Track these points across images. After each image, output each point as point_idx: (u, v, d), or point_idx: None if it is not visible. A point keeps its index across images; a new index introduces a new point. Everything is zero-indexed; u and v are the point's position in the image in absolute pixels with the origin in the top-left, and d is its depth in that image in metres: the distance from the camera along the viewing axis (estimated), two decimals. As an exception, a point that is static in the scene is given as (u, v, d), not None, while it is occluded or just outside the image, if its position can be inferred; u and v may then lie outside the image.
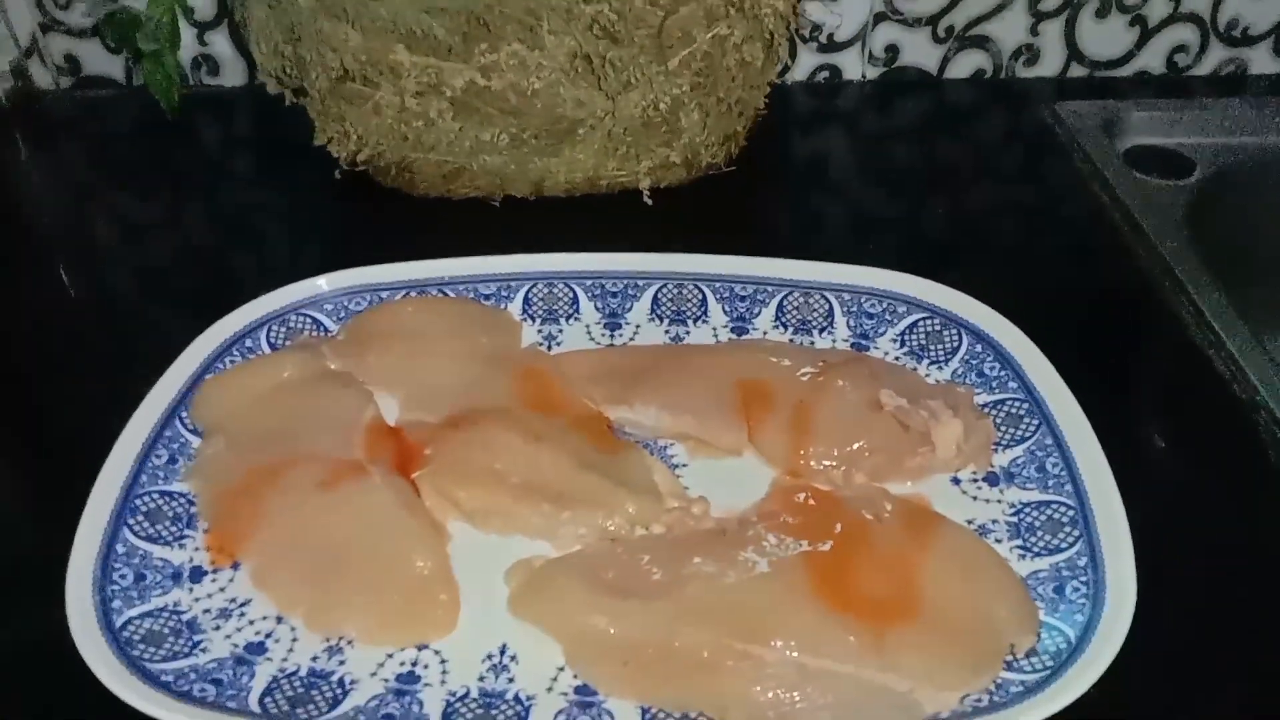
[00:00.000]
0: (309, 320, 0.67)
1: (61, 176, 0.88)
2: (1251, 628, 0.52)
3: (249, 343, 0.65)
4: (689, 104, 0.76)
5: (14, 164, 0.89)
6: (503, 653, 0.50)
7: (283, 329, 0.66)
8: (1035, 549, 0.54)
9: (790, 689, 0.47)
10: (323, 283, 0.68)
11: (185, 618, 0.52)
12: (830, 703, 0.46)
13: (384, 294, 0.69)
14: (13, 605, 0.53)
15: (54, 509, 0.55)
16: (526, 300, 0.69)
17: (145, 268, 0.78)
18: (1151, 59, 0.94)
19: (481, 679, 0.49)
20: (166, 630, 0.51)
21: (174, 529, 0.55)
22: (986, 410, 0.60)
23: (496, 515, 0.55)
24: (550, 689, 0.49)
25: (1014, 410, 0.60)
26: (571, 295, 0.69)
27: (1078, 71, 0.95)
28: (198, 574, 0.54)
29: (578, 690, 0.49)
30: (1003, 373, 0.62)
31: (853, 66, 0.95)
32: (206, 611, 0.52)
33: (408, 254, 0.71)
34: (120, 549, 0.54)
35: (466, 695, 0.48)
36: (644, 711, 0.47)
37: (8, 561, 0.56)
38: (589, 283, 0.69)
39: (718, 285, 0.69)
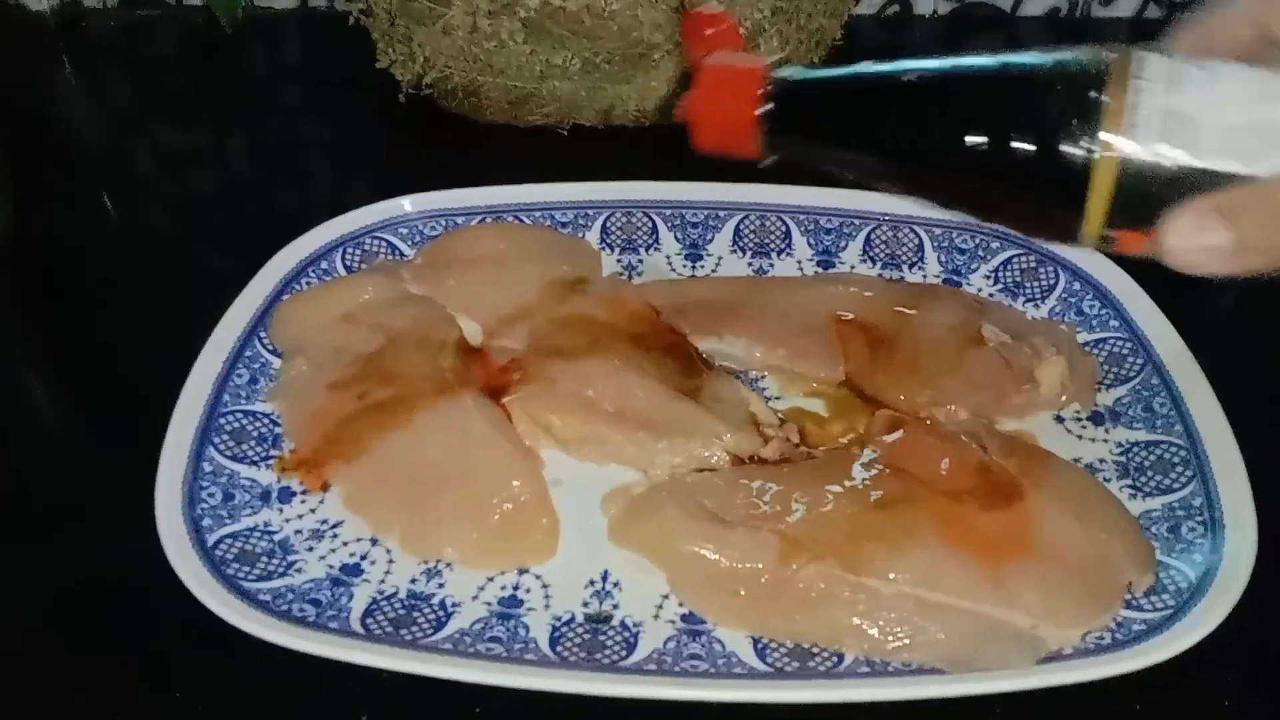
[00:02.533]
0: (384, 244, 0.65)
1: (109, 99, 0.86)
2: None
3: (324, 265, 0.63)
4: (769, 29, 0.74)
5: (61, 85, 0.87)
6: (605, 579, 0.49)
7: (358, 253, 0.65)
8: (1146, 489, 0.52)
9: (908, 622, 0.45)
10: (406, 204, 0.66)
11: (277, 538, 0.50)
12: (949, 637, 0.45)
13: (459, 219, 0.67)
14: (105, 527, 0.52)
15: (137, 432, 0.54)
16: (605, 229, 0.67)
17: (209, 194, 0.76)
18: (1231, -1, 0.91)
19: (585, 604, 0.48)
20: (259, 550, 0.49)
21: (259, 449, 0.54)
22: (1089, 348, 0.59)
23: (591, 443, 0.54)
24: (657, 616, 0.48)
25: (1117, 349, 0.58)
26: (650, 225, 0.67)
27: (1154, 12, 0.92)
28: (286, 494, 0.52)
29: (684, 618, 0.47)
30: (1103, 311, 0.60)
31: (924, 0, 0.92)
32: (298, 532, 0.51)
33: (473, 181, 0.69)
34: (207, 468, 0.52)
35: (572, 620, 0.47)
36: (755, 641, 0.46)
37: (96, 485, 0.55)
38: (668, 212, 0.67)
39: (802, 217, 0.67)
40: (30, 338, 0.65)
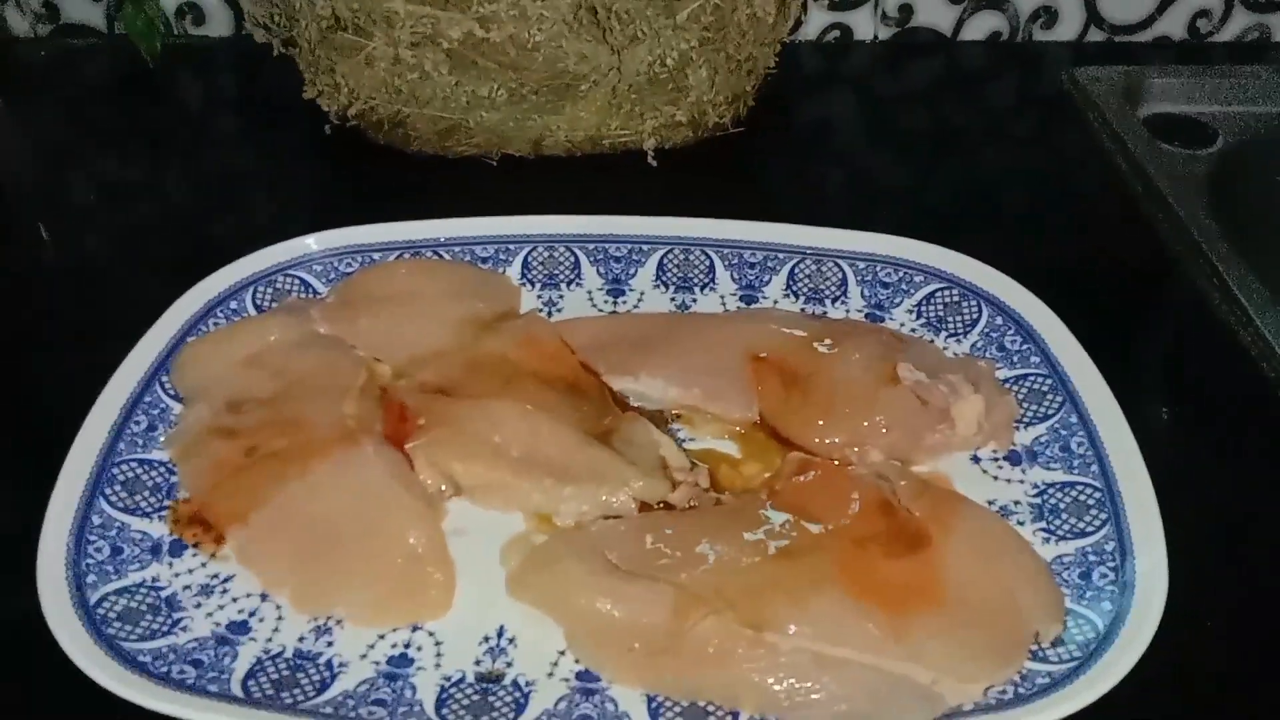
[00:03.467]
0: (297, 282, 0.64)
1: (37, 129, 0.84)
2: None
3: (233, 305, 0.62)
4: (697, 60, 0.73)
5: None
6: (500, 635, 0.48)
7: (269, 291, 0.63)
8: (1060, 532, 0.51)
9: (806, 679, 0.44)
10: (311, 242, 0.65)
11: (164, 594, 0.49)
12: (849, 694, 0.44)
13: (376, 255, 0.65)
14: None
15: (27, 479, 0.52)
16: (526, 264, 0.66)
17: (124, 228, 0.74)
18: (1172, 24, 0.91)
19: (478, 662, 0.47)
20: (144, 607, 0.48)
21: (153, 500, 0.53)
22: (1008, 385, 0.58)
23: (495, 490, 0.53)
24: (551, 674, 0.46)
25: (1037, 386, 0.57)
26: (573, 259, 0.66)
27: (1096, 35, 0.92)
28: (178, 548, 0.51)
29: (580, 676, 0.46)
30: (1025, 346, 0.59)
31: (864, 26, 0.91)
32: (187, 588, 0.49)
33: (401, 214, 0.68)
34: (96, 520, 0.51)
35: (462, 680, 0.46)
36: (650, 700, 0.45)
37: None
38: (591, 246, 0.66)
39: (726, 251, 0.66)
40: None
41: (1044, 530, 0.51)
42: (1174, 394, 0.61)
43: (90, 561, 0.49)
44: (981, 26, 0.91)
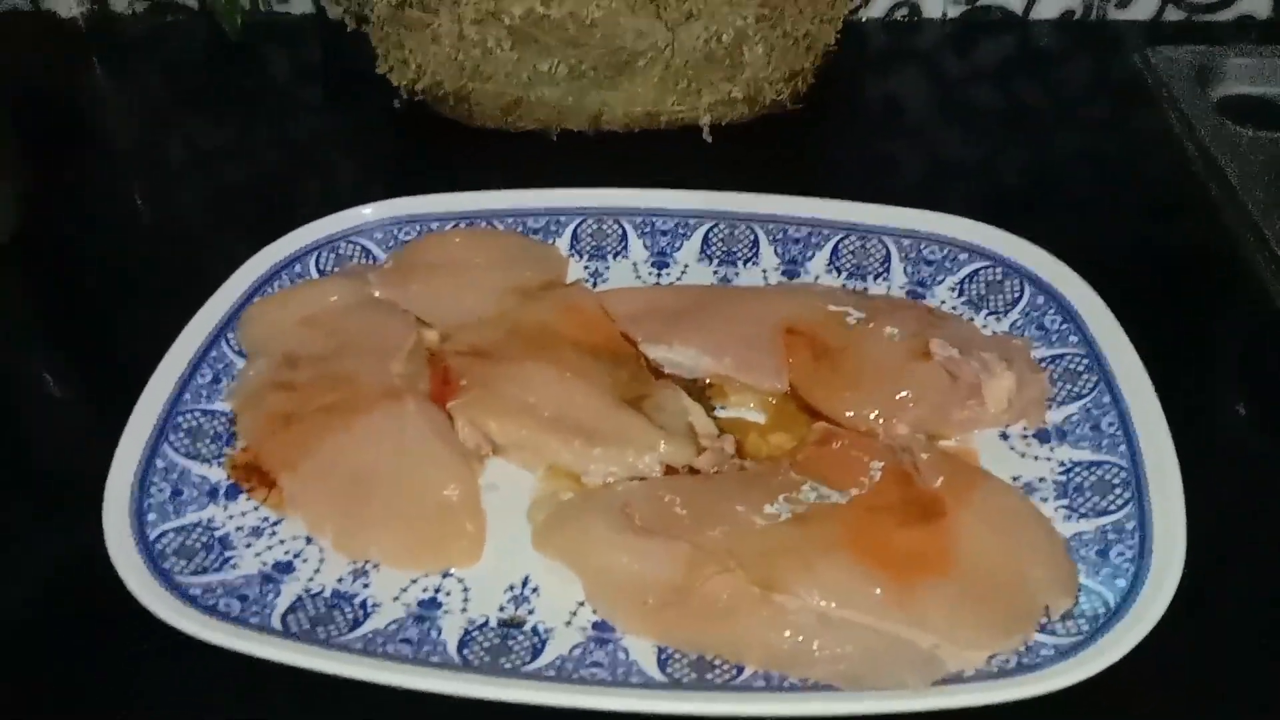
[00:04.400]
0: (358, 248, 0.67)
1: (132, 100, 0.90)
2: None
3: (298, 268, 0.66)
4: (753, 37, 0.74)
5: (89, 86, 0.91)
6: (525, 584, 0.50)
7: (332, 256, 0.67)
8: (1082, 510, 0.51)
9: (809, 637, 0.45)
10: (368, 211, 0.68)
11: (218, 534, 0.52)
12: (848, 654, 0.45)
13: (433, 224, 0.68)
14: (55, 516, 0.55)
15: (99, 424, 0.57)
16: (575, 235, 0.68)
17: (205, 192, 0.79)
18: (1257, 3, 0.88)
19: (502, 609, 0.49)
20: (198, 545, 0.52)
21: (214, 447, 0.56)
22: (1044, 365, 0.58)
23: (527, 448, 0.55)
24: (569, 623, 0.48)
25: (1072, 366, 0.57)
26: (620, 232, 0.68)
27: (1174, 15, 0.89)
28: (233, 491, 0.54)
29: (596, 626, 0.48)
30: (1064, 326, 0.59)
31: (933, 4, 0.91)
32: (239, 529, 0.53)
33: (463, 185, 0.71)
34: (160, 464, 0.55)
35: (485, 624, 0.48)
36: (660, 651, 0.47)
37: (53, 473, 0.58)
38: (639, 220, 0.68)
39: (770, 226, 0.67)
40: (20, 328, 0.68)
41: (1066, 507, 0.52)
42: (1221, 381, 0.60)
43: (152, 501, 0.53)
44: (1054, 4, 0.90)
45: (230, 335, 0.61)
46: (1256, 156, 0.74)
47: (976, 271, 0.63)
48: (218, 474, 0.55)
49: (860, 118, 0.83)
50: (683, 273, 0.66)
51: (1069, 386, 0.57)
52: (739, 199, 0.68)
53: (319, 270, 0.66)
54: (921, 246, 0.65)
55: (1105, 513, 0.51)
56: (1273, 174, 0.73)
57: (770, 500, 0.50)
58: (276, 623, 0.48)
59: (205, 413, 0.58)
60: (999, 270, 0.63)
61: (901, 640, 0.45)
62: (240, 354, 0.61)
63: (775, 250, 0.66)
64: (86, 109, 0.89)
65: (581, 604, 0.49)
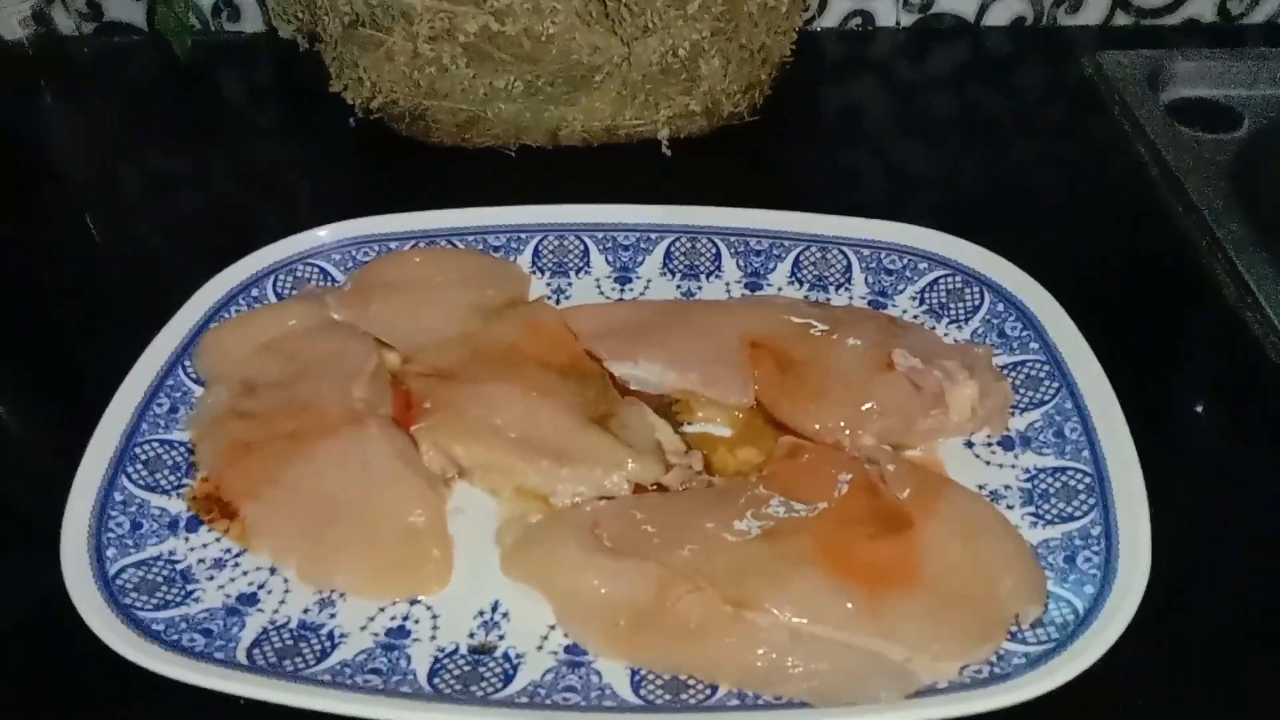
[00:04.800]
0: (316, 270, 0.66)
1: (83, 123, 0.88)
2: (1271, 611, 0.49)
3: (255, 292, 0.65)
4: (709, 50, 0.74)
5: (37, 111, 0.89)
6: (495, 609, 0.50)
7: (289, 278, 0.66)
8: (1048, 516, 0.52)
9: (782, 654, 0.45)
10: (324, 233, 0.67)
11: (180, 567, 0.51)
12: (823, 669, 0.45)
13: (392, 244, 0.68)
14: (10, 552, 0.53)
15: (55, 457, 0.56)
16: (536, 252, 0.67)
17: (161, 216, 0.78)
18: (1202, 6, 0.90)
19: (472, 635, 0.48)
20: (160, 579, 0.51)
21: (172, 478, 0.55)
22: (1005, 372, 0.58)
23: (494, 470, 0.55)
24: (540, 647, 0.48)
25: (1034, 372, 0.58)
26: (582, 248, 0.67)
27: (1123, 19, 0.91)
28: (194, 523, 0.53)
29: (568, 649, 0.48)
30: (1024, 333, 0.60)
31: (886, 12, 0.91)
32: (201, 561, 0.52)
33: (422, 203, 0.70)
34: (118, 497, 0.54)
35: (455, 651, 0.48)
36: (633, 673, 0.46)
37: (7, 508, 0.56)
38: (600, 235, 0.68)
39: (732, 239, 0.67)
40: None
41: (1032, 515, 0.52)
42: (1179, 383, 0.61)
43: (111, 535, 0.52)
44: (1005, 11, 0.91)
45: (187, 363, 0.60)
46: (1207, 159, 0.75)
47: (937, 280, 0.64)
48: (178, 505, 0.54)
49: (818, 128, 0.84)
50: (645, 287, 0.66)
51: (1031, 393, 0.57)
52: (700, 212, 0.68)
53: (277, 294, 0.65)
54: (882, 256, 0.65)
55: (1071, 518, 0.51)
56: (1223, 176, 0.74)
57: (739, 516, 0.50)
58: (243, 656, 0.47)
59: (163, 443, 0.57)
60: (959, 278, 0.63)
61: (874, 654, 0.45)
62: (198, 381, 0.60)
63: (737, 263, 0.66)
64: (35, 134, 0.87)
65: (553, 627, 0.49)
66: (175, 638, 0.48)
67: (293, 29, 0.79)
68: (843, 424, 0.55)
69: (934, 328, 0.62)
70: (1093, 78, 0.84)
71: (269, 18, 0.91)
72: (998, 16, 0.91)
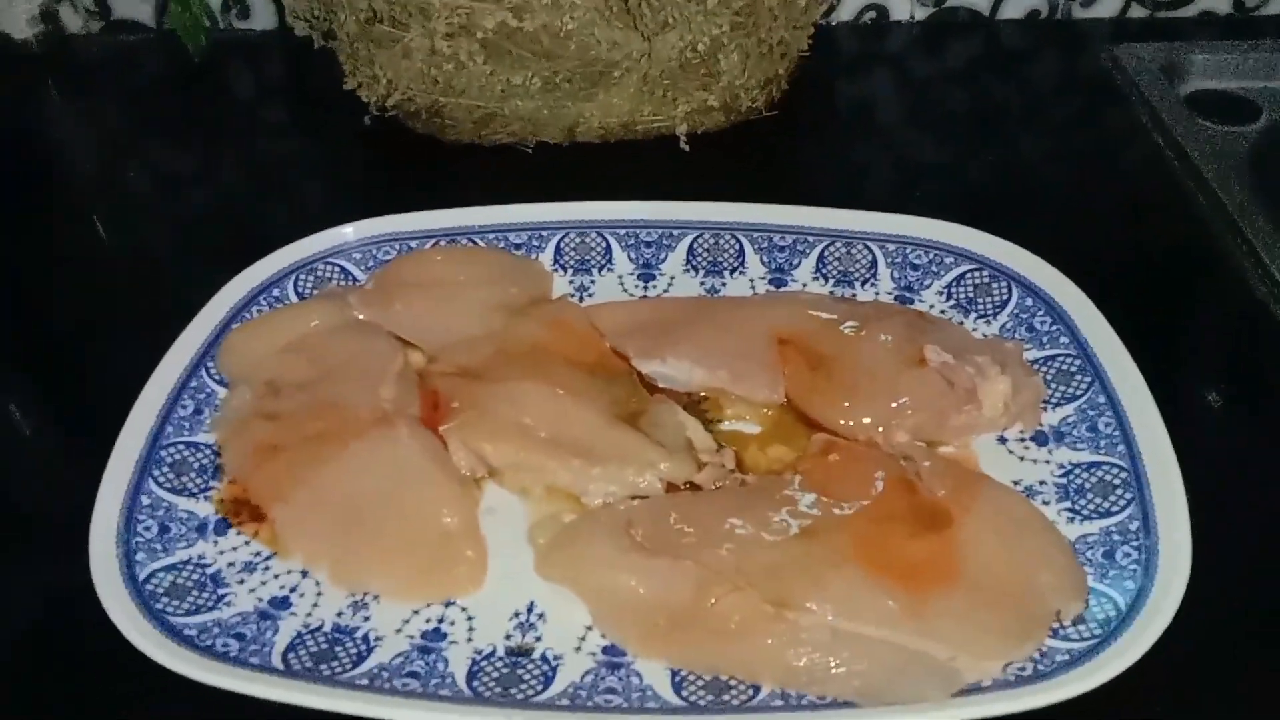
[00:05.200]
0: (337, 269, 0.66)
1: (92, 123, 0.87)
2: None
3: (276, 292, 0.64)
4: (728, 45, 0.73)
5: (46, 111, 0.88)
6: (530, 610, 0.49)
7: (310, 278, 0.65)
8: (1085, 512, 0.51)
9: (825, 654, 0.45)
10: (349, 231, 0.66)
11: (210, 571, 0.51)
12: (865, 669, 0.44)
13: (413, 243, 0.67)
14: (38, 558, 0.53)
15: (80, 461, 0.55)
16: (558, 250, 0.67)
17: (174, 216, 0.77)
18: (1217, -2, 0.90)
19: (508, 637, 0.48)
20: (190, 583, 0.50)
21: (199, 481, 0.55)
22: (1036, 367, 0.58)
23: (524, 470, 0.54)
24: (579, 648, 0.48)
25: (1065, 367, 0.57)
26: (604, 245, 0.67)
27: (1138, 12, 0.90)
28: (222, 526, 0.53)
29: (606, 650, 0.47)
30: (1054, 327, 0.59)
31: (901, 6, 0.91)
32: (231, 565, 0.51)
33: (439, 201, 0.69)
34: (145, 501, 0.53)
35: (493, 654, 0.47)
36: (674, 674, 0.46)
37: (34, 514, 0.56)
38: (623, 232, 0.67)
39: (756, 235, 0.66)
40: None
41: (1069, 510, 0.52)
42: (1207, 374, 0.61)
43: (139, 540, 0.51)
44: (1020, 4, 0.90)
45: (210, 364, 0.60)
46: (1228, 150, 0.75)
47: (963, 275, 0.63)
48: (205, 508, 0.54)
49: (835, 122, 0.83)
50: (669, 284, 0.65)
51: (1063, 388, 0.57)
52: (722, 208, 0.67)
53: (298, 294, 0.64)
54: (907, 251, 0.65)
55: (1108, 514, 0.51)
56: (1245, 167, 0.74)
57: (775, 514, 0.50)
58: (278, 661, 0.47)
59: (189, 445, 0.56)
60: (986, 273, 0.63)
61: (917, 653, 0.45)
62: (221, 383, 0.59)
63: (761, 259, 0.66)
64: (43, 133, 0.86)
65: (590, 628, 0.48)
66: (209, 642, 0.47)
67: (307, 27, 0.78)
68: (875, 421, 0.55)
69: (962, 323, 0.61)
70: (1110, 70, 0.84)
71: (281, 15, 0.91)
72: (1012, 10, 0.91)
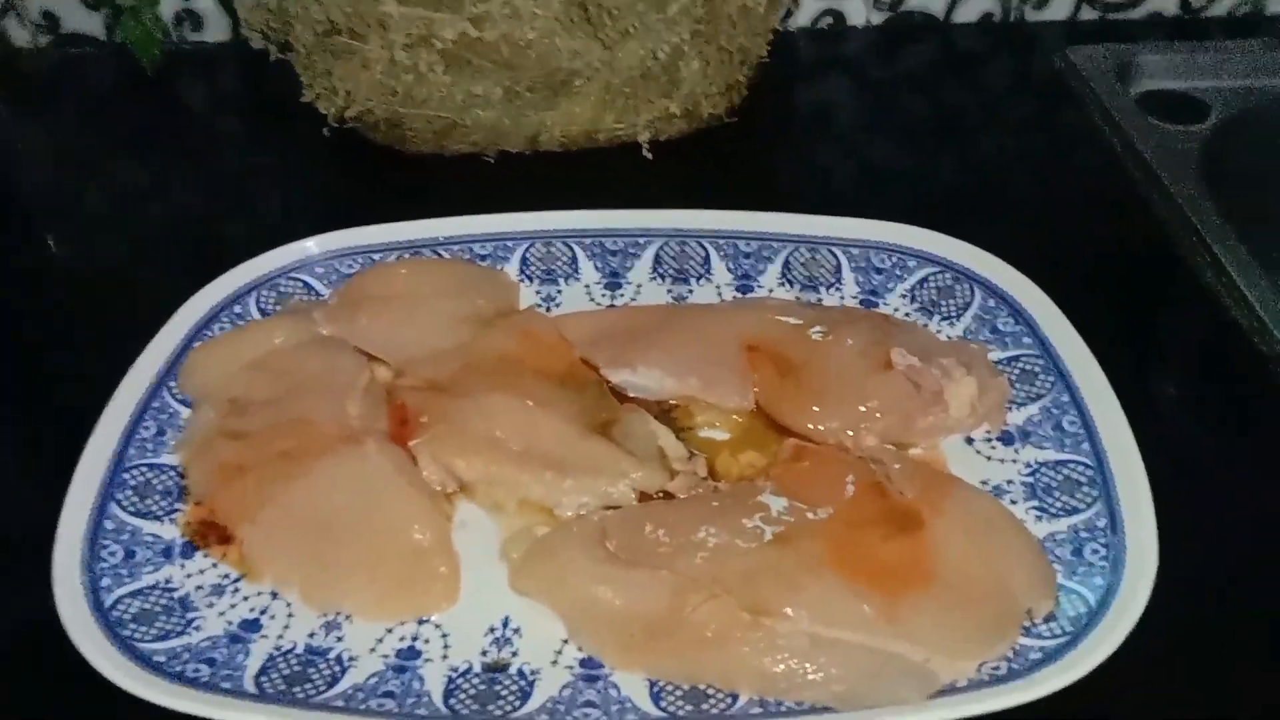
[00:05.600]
0: (300, 284, 0.65)
1: (44, 138, 0.86)
2: (1277, 586, 0.50)
3: (238, 309, 0.63)
4: (689, 52, 0.73)
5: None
6: (505, 625, 0.49)
7: (273, 294, 0.64)
8: (1052, 510, 0.52)
9: (802, 660, 0.45)
10: (311, 245, 0.66)
11: (177, 595, 0.50)
12: (842, 674, 0.45)
13: (376, 256, 0.66)
14: (0, 586, 0.52)
15: (40, 486, 0.54)
16: (524, 260, 0.67)
17: (129, 233, 0.76)
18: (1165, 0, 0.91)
19: (484, 653, 0.48)
20: (158, 608, 0.49)
21: (164, 503, 0.54)
22: (1000, 367, 0.58)
23: (496, 484, 0.54)
24: (555, 662, 0.47)
25: (1029, 367, 0.58)
26: (570, 255, 0.67)
27: (1088, 14, 0.92)
28: (189, 549, 0.52)
29: (583, 663, 0.47)
30: (1017, 328, 0.60)
31: (857, 11, 0.91)
32: (199, 588, 0.50)
33: (400, 213, 0.69)
34: (109, 525, 0.52)
35: (469, 670, 0.47)
36: (651, 685, 0.46)
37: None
38: (588, 241, 0.67)
39: (721, 242, 0.67)
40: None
41: (1036, 508, 0.52)
42: (1168, 371, 0.62)
43: (104, 565, 0.50)
44: (974, 8, 0.91)
45: (172, 384, 0.59)
46: (1180, 149, 0.76)
47: (927, 278, 0.64)
48: (171, 531, 0.53)
49: (796, 127, 0.84)
50: (636, 293, 0.65)
51: (1027, 388, 0.58)
52: (687, 216, 0.68)
53: (260, 310, 0.64)
54: (871, 255, 0.65)
55: (1075, 511, 0.52)
56: (1197, 165, 0.75)
57: (749, 521, 0.50)
58: (250, 685, 0.46)
59: (152, 467, 0.55)
60: (949, 275, 0.63)
61: (893, 656, 0.45)
62: (184, 403, 0.58)
63: (727, 265, 0.66)
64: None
65: (566, 641, 0.48)
66: (179, 668, 0.46)
67: (263, 39, 0.77)
68: (844, 425, 0.55)
69: (926, 325, 0.62)
70: (1063, 72, 0.85)
71: (235, 27, 0.89)
72: (966, 13, 0.92)
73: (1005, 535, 0.50)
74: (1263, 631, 0.49)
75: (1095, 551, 0.49)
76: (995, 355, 0.59)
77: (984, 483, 0.54)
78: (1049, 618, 0.47)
